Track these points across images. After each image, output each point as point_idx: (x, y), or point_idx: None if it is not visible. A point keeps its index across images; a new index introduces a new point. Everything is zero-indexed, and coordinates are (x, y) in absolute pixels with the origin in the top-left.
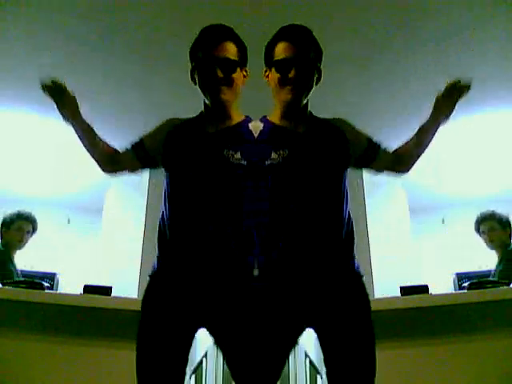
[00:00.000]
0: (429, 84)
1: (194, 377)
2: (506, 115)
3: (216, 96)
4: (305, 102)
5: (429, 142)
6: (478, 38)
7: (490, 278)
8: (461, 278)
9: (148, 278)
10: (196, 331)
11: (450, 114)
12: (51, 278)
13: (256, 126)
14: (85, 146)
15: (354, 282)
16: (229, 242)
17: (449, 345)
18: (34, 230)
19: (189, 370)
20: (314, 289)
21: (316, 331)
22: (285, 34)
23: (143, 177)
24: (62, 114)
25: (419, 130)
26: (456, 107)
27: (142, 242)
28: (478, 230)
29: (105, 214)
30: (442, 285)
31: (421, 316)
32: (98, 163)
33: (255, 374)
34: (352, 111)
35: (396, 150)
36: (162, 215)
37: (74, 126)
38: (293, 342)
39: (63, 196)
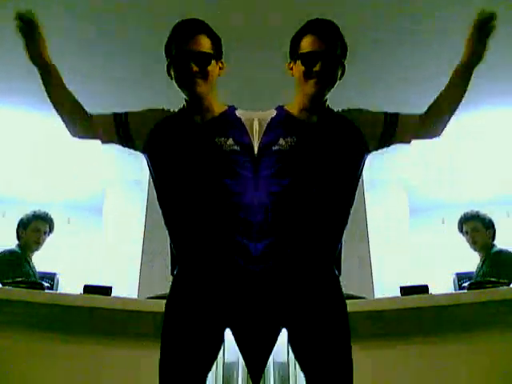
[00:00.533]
0: (427, 80)
1: None
2: (507, 115)
3: (192, 89)
4: (327, 96)
5: (463, 91)
6: None
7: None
8: (461, 278)
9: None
10: (223, 332)
11: (483, 51)
12: (51, 278)
13: (248, 114)
14: (54, 100)
15: (331, 282)
16: (228, 230)
17: (449, 345)
18: (51, 230)
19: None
20: (291, 282)
21: (288, 331)
22: (312, 27)
23: (143, 177)
24: (29, 51)
25: (451, 78)
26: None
27: (141, 242)
28: (461, 229)
29: (105, 214)
30: (441, 285)
31: (421, 316)
32: (70, 124)
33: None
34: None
35: (425, 112)
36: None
37: (40, 67)
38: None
39: (63, 196)
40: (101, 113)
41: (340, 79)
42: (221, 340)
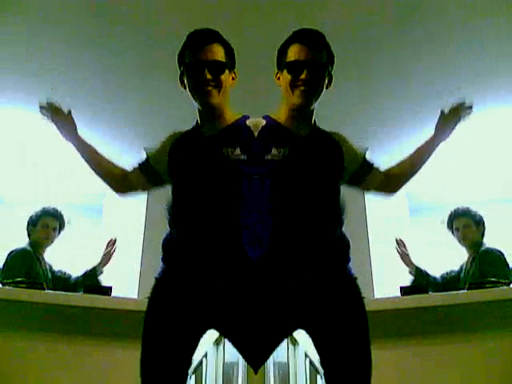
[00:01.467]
0: (428, 84)
1: (194, 377)
2: (507, 115)
3: (205, 98)
4: (314, 106)
5: (423, 162)
6: (480, 36)
7: (461, 276)
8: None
9: (154, 280)
10: (203, 332)
11: (450, 133)
12: None
13: (256, 123)
14: (92, 168)
15: (349, 285)
16: (231, 239)
17: (449, 345)
18: (62, 226)
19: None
20: (306, 290)
21: (309, 333)
22: (298, 36)
23: None
24: (60, 132)
25: (417, 149)
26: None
27: (142, 243)
28: (450, 226)
29: (105, 214)
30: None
31: (421, 316)
32: (110, 186)
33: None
34: (351, 110)
35: (388, 171)
36: (168, 232)
37: (74, 145)
38: (281, 339)
39: (63, 197)
40: (132, 168)
41: (327, 88)
42: (198, 341)
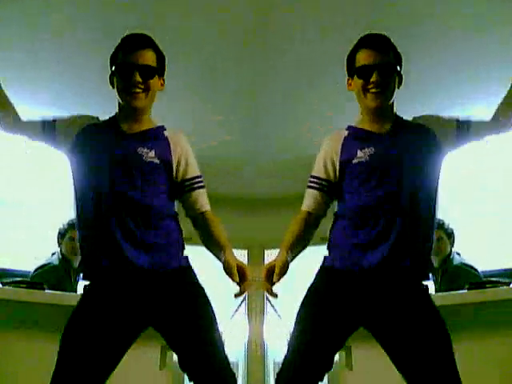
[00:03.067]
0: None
1: None
2: None
3: (132, 100)
4: (389, 104)
5: None
6: (480, 37)
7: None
8: None
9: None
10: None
11: None
12: None
13: (176, 137)
14: None
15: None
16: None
17: None
18: None
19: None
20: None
21: (376, 333)
22: (364, 42)
23: None
24: None
25: None
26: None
27: None
28: None
29: None
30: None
31: None
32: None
33: None
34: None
35: (494, 113)
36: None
37: None
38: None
39: (63, 197)
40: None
41: (398, 87)
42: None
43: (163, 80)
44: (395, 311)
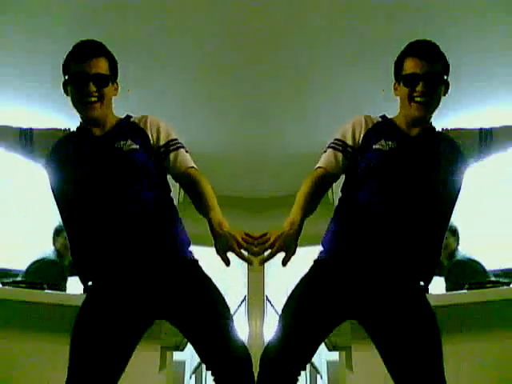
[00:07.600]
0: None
1: (193, 377)
2: (507, 114)
3: (88, 111)
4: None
5: None
6: (480, 36)
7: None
8: None
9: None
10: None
11: None
12: None
13: (142, 118)
14: None
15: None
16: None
17: (448, 345)
18: None
19: (189, 369)
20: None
21: (366, 325)
22: (412, 49)
23: None
24: None
25: None
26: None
27: None
28: None
29: None
30: (442, 285)
31: None
32: None
33: None
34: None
35: None
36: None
37: None
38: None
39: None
40: (9, 127)
41: (444, 95)
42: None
43: (117, 84)
44: (386, 304)
